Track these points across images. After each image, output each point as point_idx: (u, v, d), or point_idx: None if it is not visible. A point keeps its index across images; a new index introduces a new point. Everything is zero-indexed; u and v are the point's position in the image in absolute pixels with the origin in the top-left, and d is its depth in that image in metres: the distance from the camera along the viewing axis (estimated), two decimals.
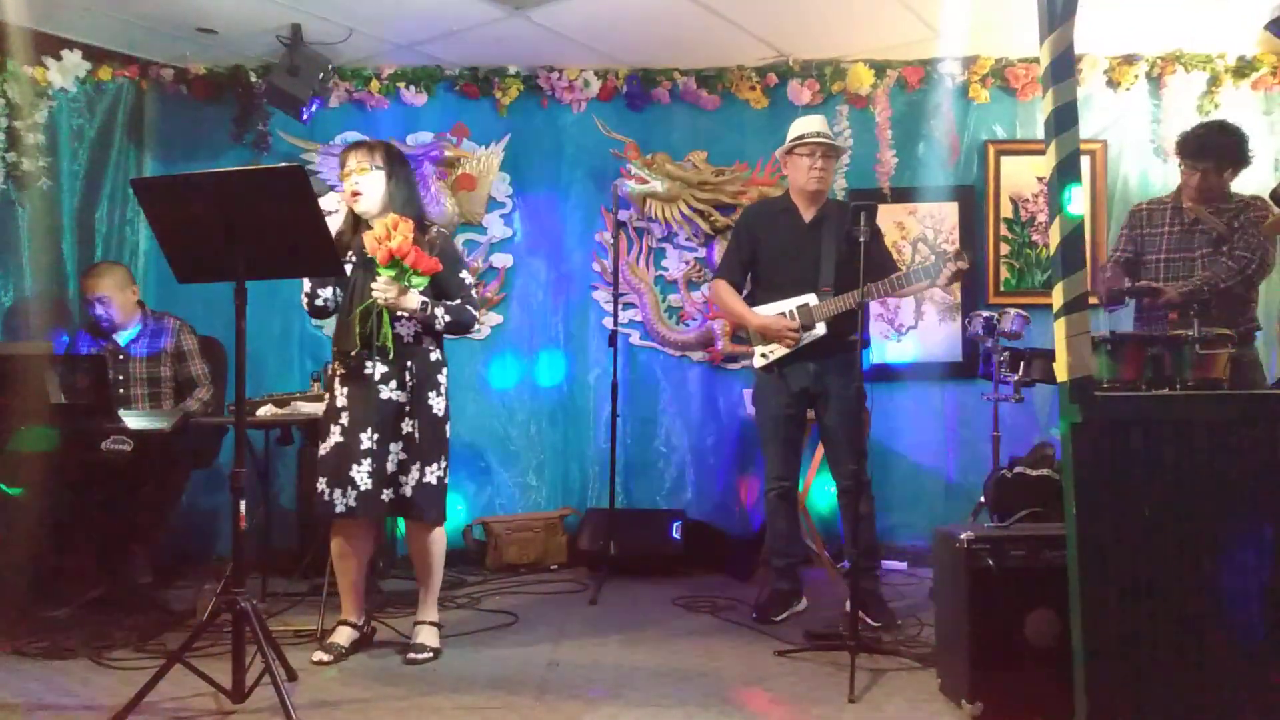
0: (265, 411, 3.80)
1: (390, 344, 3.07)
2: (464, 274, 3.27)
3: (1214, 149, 3.65)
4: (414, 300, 3.06)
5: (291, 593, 3.92)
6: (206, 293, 4.06)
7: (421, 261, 2.99)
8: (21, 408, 3.36)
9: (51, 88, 4.53)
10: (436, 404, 3.20)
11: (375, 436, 3.09)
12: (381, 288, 3.00)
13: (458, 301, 3.20)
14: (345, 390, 3.15)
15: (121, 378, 4.09)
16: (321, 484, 3.12)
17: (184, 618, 3.51)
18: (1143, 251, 3.85)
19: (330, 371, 3.26)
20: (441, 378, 3.23)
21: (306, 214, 2.63)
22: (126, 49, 4.65)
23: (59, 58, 4.51)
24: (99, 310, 4.06)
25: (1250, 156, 3.70)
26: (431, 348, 3.22)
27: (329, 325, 3.75)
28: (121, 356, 4.11)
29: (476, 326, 3.28)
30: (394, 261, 2.96)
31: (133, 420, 3.57)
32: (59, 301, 4.56)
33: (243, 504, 2.71)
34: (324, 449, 3.16)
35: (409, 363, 3.15)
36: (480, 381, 4.96)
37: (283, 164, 3.61)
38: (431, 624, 3.27)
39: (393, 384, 3.13)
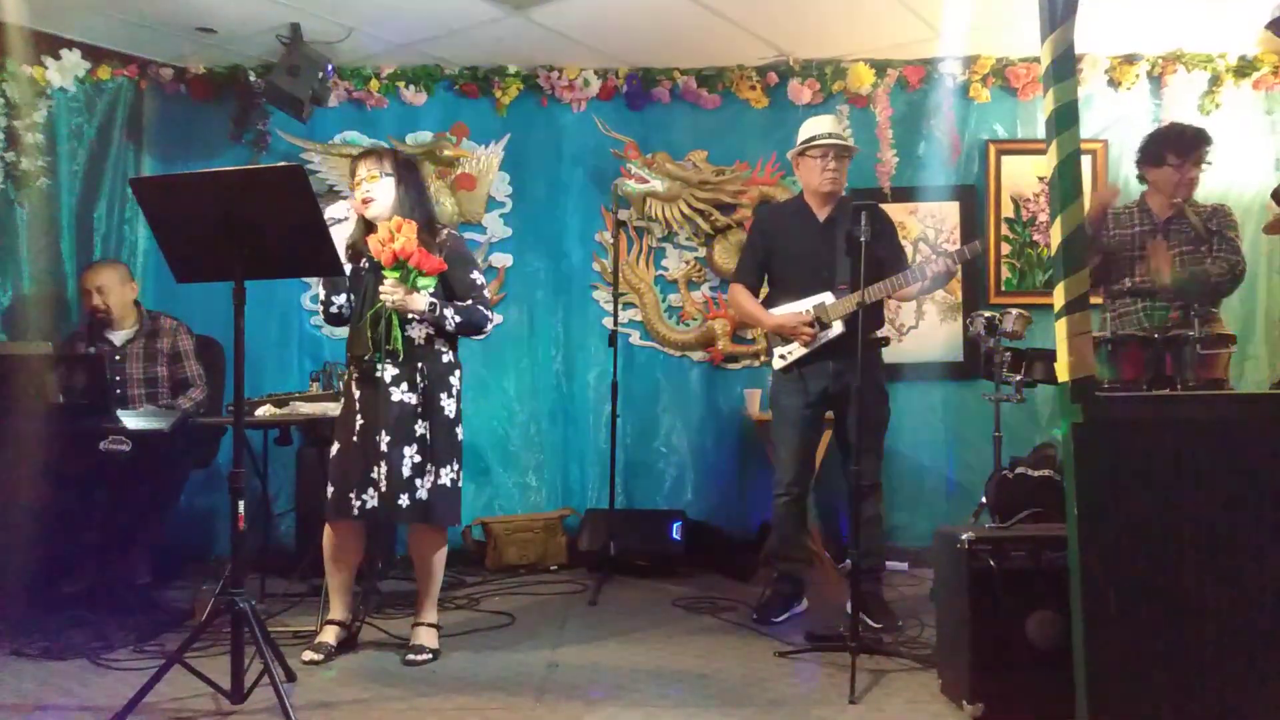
0: (264, 412, 3.80)
1: (400, 347, 3.07)
2: (475, 274, 3.25)
3: (1196, 141, 3.65)
4: (421, 302, 3.05)
5: (290, 593, 3.92)
6: (205, 292, 4.03)
7: (426, 262, 3.00)
8: (19, 406, 3.35)
9: (51, 87, 4.53)
10: (449, 406, 3.19)
11: (388, 439, 3.09)
12: (388, 290, 3.01)
13: (469, 302, 3.19)
14: (359, 394, 3.16)
15: (118, 378, 4.07)
16: (334, 487, 3.11)
17: (183, 618, 3.52)
18: (1114, 253, 3.85)
19: (345, 376, 3.29)
20: (454, 380, 3.22)
21: (306, 214, 2.62)
22: (126, 48, 4.64)
23: (58, 57, 4.51)
24: (96, 300, 4.05)
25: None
26: (444, 349, 3.21)
27: (328, 327, 3.74)
28: (118, 357, 4.10)
29: (489, 326, 3.26)
30: (398, 263, 2.97)
31: (131, 420, 3.56)
32: (58, 301, 4.55)
33: (241, 504, 2.71)
34: (335, 451, 3.17)
35: (421, 365, 3.15)
36: (480, 381, 4.94)
37: (282, 163, 3.60)
38: (431, 625, 3.26)
39: (404, 386, 3.13)
